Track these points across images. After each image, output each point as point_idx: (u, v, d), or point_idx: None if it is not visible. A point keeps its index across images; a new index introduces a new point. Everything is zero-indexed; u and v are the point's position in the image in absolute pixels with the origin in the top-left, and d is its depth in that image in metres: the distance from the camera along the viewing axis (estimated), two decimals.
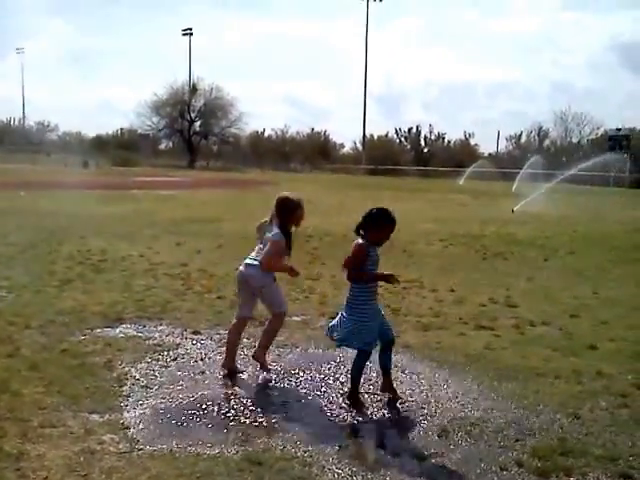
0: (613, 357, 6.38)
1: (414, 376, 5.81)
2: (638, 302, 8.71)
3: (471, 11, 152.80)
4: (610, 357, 6.38)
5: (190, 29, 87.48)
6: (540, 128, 74.99)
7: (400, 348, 6.38)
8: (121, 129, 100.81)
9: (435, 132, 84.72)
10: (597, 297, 9.23)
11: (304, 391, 5.40)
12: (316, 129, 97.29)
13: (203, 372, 5.78)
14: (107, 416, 4.73)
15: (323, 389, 5.43)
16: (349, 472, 4.03)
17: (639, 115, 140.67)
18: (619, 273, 11.25)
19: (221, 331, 7.03)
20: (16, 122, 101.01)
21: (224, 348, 6.44)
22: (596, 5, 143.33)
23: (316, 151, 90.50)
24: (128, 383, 5.43)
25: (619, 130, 55.58)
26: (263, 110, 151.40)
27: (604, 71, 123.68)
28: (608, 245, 14.80)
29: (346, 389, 5.29)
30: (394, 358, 5.96)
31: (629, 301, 8.90)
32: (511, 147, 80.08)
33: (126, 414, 4.80)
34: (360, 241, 5.13)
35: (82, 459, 4.06)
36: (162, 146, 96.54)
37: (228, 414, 4.86)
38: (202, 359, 6.15)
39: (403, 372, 5.90)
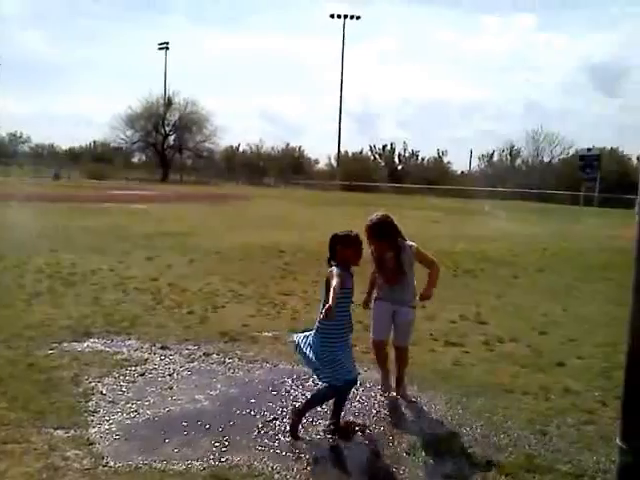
0: (581, 374, 6.44)
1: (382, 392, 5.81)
2: (606, 319, 8.81)
3: (446, 31, 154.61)
4: (578, 374, 6.44)
5: (166, 43, 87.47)
6: (512, 147, 75.97)
7: (371, 364, 6.38)
8: (94, 142, 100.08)
9: (409, 149, 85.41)
10: (566, 314, 9.33)
11: (273, 407, 5.37)
12: (291, 145, 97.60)
13: (171, 387, 5.72)
14: (72, 432, 4.66)
15: (292, 405, 5.40)
16: None
17: (609, 136, 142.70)
18: (588, 291, 11.39)
19: (190, 346, 6.98)
20: None
21: (193, 363, 6.42)
22: (568, 27, 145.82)
23: (291, 166, 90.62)
24: (94, 398, 5.35)
25: (590, 150, 56.42)
26: (238, 125, 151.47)
27: (575, 92, 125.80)
28: (577, 263, 15.00)
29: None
30: (364, 374, 5.97)
31: (597, 318, 9.01)
32: (483, 166, 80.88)
33: (92, 430, 4.73)
34: (331, 269, 4.86)
35: (45, 476, 3.98)
36: (135, 159, 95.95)
37: (195, 430, 4.81)
38: (170, 374, 6.08)
39: (373, 388, 5.90)
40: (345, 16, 76.34)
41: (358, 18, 77.80)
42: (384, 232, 5.63)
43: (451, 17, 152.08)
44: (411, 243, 5.64)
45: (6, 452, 4.27)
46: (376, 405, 5.50)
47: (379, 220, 5.65)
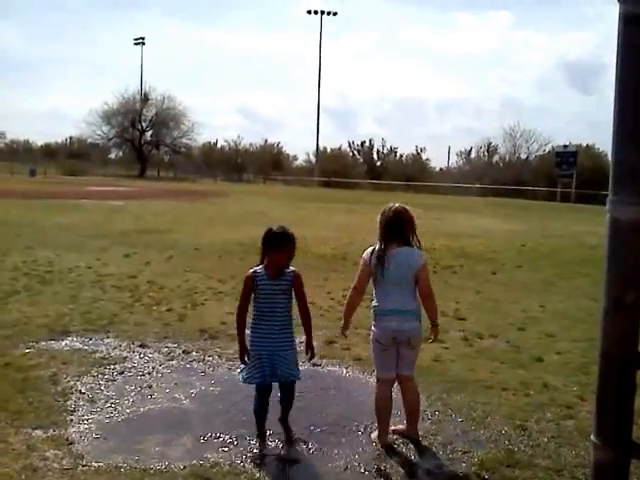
0: (559, 369, 6.50)
1: (363, 389, 5.82)
2: (584, 315, 8.90)
3: (423, 28, 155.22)
4: (556, 369, 6.50)
5: (142, 38, 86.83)
6: (489, 144, 76.27)
7: (351, 361, 6.39)
8: (70, 138, 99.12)
9: (387, 146, 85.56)
10: (544, 310, 9.40)
11: (252, 405, 5.34)
12: (270, 141, 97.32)
13: (150, 386, 5.68)
14: (51, 431, 4.62)
15: (272, 403, 5.39)
16: None
17: (585, 133, 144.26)
18: (565, 287, 11.50)
19: (169, 344, 6.95)
20: None
21: (173, 361, 6.39)
22: (544, 25, 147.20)
23: (269, 162, 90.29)
24: (73, 397, 5.31)
25: (566, 147, 56.91)
26: (216, 121, 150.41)
27: (551, 89, 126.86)
28: (555, 259, 15.13)
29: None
30: (344, 371, 5.98)
31: (575, 314, 9.10)
32: (461, 162, 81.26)
33: (71, 429, 4.69)
34: (250, 270, 4.81)
35: (24, 476, 3.95)
36: (112, 155, 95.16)
37: (175, 429, 4.78)
38: (149, 373, 6.05)
39: (353, 385, 5.90)
40: (322, 12, 76.26)
41: (335, 14, 77.73)
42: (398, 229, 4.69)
43: (427, 14, 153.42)
44: (421, 252, 4.70)
45: None
46: (358, 404, 5.50)
47: (395, 213, 4.70)
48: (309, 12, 77.27)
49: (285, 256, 4.66)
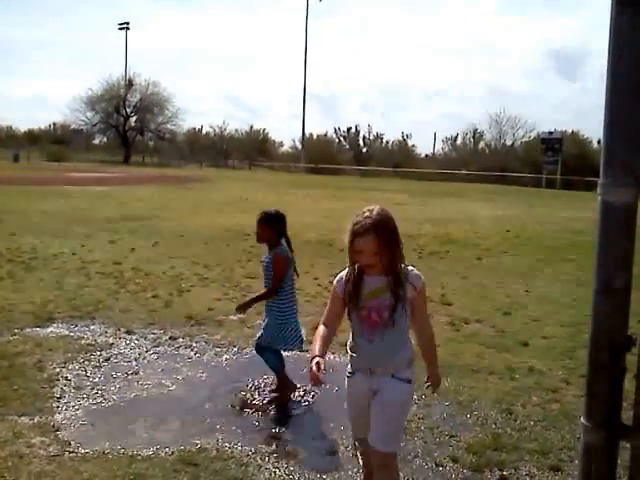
0: (545, 353, 6.54)
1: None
2: (568, 300, 8.95)
3: (408, 14, 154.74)
4: (542, 353, 6.54)
5: (127, 23, 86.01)
6: (475, 130, 76.21)
7: (338, 347, 6.38)
8: (54, 124, 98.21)
9: (373, 132, 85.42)
10: (529, 295, 9.45)
11: (240, 390, 5.34)
12: (255, 127, 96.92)
13: (137, 372, 5.67)
14: (37, 418, 4.59)
15: (260, 388, 5.39)
16: (285, 471, 4.01)
17: (570, 119, 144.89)
18: (550, 272, 11.55)
19: (155, 330, 6.92)
20: None
21: (159, 348, 6.36)
22: (528, 11, 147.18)
23: (255, 149, 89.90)
24: (59, 384, 5.28)
25: (551, 133, 57.05)
26: (201, 107, 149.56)
27: (536, 75, 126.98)
28: (539, 245, 15.19)
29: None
30: (332, 357, 5.98)
31: (560, 299, 9.15)
32: (447, 149, 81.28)
33: (57, 416, 4.66)
34: None
35: (10, 463, 3.92)
36: (96, 141, 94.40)
37: (162, 415, 4.77)
38: (136, 359, 6.02)
39: (340, 371, 5.90)
40: None
41: None
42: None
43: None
44: (417, 272, 3.25)
45: None
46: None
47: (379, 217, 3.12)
48: None
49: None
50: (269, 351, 5.09)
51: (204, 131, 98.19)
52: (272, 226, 5.08)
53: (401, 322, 3.14)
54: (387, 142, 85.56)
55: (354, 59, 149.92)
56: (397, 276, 3.12)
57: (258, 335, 5.14)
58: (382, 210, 3.17)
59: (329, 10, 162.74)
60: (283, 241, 5.11)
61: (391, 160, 74.48)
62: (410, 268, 3.23)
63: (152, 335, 6.76)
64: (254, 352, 5.49)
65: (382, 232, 3.07)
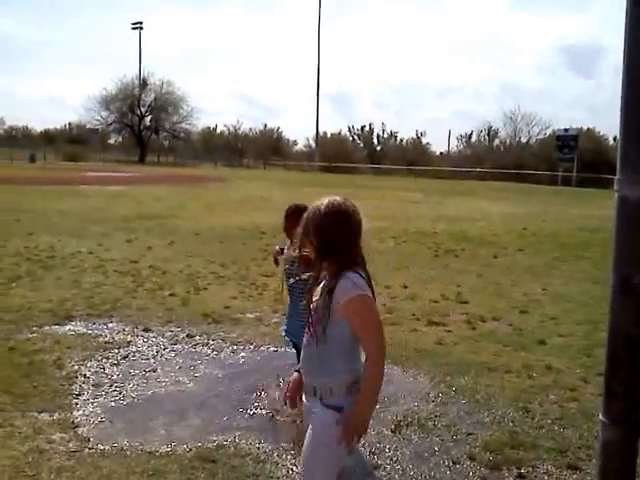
0: (562, 352, 6.52)
1: None
2: (585, 298, 8.91)
3: (420, 11, 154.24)
4: (559, 352, 6.51)
5: (140, 23, 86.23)
6: (490, 128, 75.86)
7: None
8: (69, 123, 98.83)
9: (387, 130, 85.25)
10: (546, 293, 9.41)
11: (257, 388, 5.37)
12: (269, 126, 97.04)
13: (154, 370, 5.70)
14: (57, 415, 4.64)
15: (276, 386, 5.41)
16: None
17: (585, 116, 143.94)
18: (566, 270, 11.50)
19: (173, 328, 6.96)
20: None
21: (177, 345, 6.40)
22: (543, 7, 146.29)
23: (269, 147, 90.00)
24: (78, 381, 5.33)
25: (567, 130, 56.66)
26: (215, 106, 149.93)
27: (551, 72, 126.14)
28: (556, 242, 15.11)
29: None
30: None
31: (577, 297, 9.11)
32: (462, 146, 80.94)
33: (76, 413, 4.71)
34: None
35: (31, 459, 3.97)
36: (111, 141, 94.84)
37: (180, 412, 4.80)
38: (154, 357, 6.07)
39: None
40: None
41: None
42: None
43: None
44: (349, 282, 2.61)
45: None
46: None
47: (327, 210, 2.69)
48: None
49: None
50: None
51: (218, 130, 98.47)
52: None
53: (336, 338, 2.67)
54: (401, 140, 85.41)
55: (368, 57, 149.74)
56: (330, 283, 2.65)
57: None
58: (328, 203, 2.69)
59: (342, 9, 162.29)
60: None
61: (405, 158, 74.32)
62: (348, 275, 2.62)
63: (169, 333, 6.80)
64: (271, 349, 5.53)
65: (309, 227, 2.70)
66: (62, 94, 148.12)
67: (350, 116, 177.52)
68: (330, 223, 2.64)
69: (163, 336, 6.70)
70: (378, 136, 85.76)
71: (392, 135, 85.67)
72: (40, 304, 7.69)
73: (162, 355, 6.12)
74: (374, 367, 2.66)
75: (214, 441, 4.32)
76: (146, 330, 6.86)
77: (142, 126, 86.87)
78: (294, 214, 4.81)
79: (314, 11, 75.48)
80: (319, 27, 76.19)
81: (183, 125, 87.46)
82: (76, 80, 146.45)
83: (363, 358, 2.71)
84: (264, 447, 4.27)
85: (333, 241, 2.64)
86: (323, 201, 2.70)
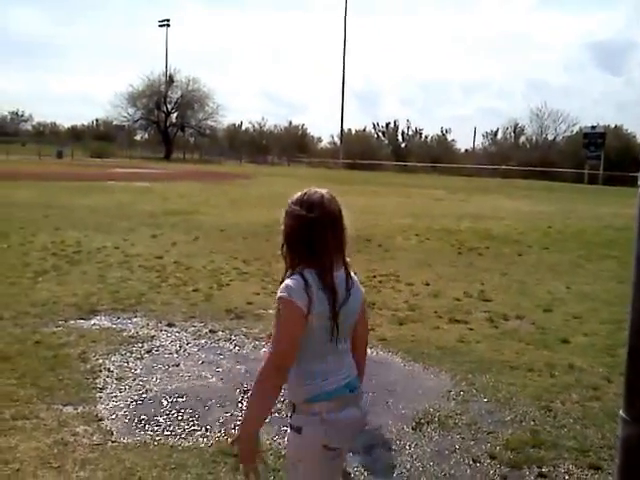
0: (585, 351, 6.47)
1: (389, 369, 5.84)
2: (610, 297, 8.82)
3: (446, 7, 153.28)
4: (582, 351, 6.46)
5: (167, 20, 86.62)
6: (516, 125, 75.24)
7: (376, 341, 6.41)
8: (96, 120, 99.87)
9: (412, 127, 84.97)
10: (570, 292, 9.34)
11: None
12: (294, 123, 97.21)
13: (177, 364, 5.76)
14: (81, 408, 4.70)
15: None
16: None
17: (613, 113, 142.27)
18: (591, 268, 11.39)
19: (196, 323, 7.02)
20: None
21: (200, 340, 6.45)
22: (570, 5, 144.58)
23: (294, 144, 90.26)
24: (102, 375, 5.40)
25: (594, 128, 56.05)
26: (240, 103, 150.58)
27: (578, 69, 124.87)
28: (581, 241, 14.97)
29: None
30: (369, 351, 5.99)
31: (601, 296, 9.02)
32: (487, 143, 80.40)
33: (100, 406, 4.77)
34: None
35: (55, 451, 4.03)
36: (138, 137, 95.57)
37: (202, 407, 4.85)
38: (177, 351, 6.12)
39: (379, 365, 5.92)
40: None
41: None
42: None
43: None
44: (284, 284, 2.40)
45: (17, 427, 4.32)
46: (382, 382, 5.52)
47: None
48: None
49: None
50: None
51: (243, 127, 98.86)
52: None
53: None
54: (426, 137, 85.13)
55: (393, 54, 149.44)
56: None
57: None
58: (296, 196, 2.49)
59: (368, 7, 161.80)
60: None
61: (430, 155, 74.05)
62: (292, 276, 2.39)
63: (192, 328, 6.86)
64: None
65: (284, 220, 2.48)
66: (90, 91, 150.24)
67: (375, 113, 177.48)
68: (287, 219, 2.44)
69: (186, 331, 6.76)
70: (403, 133, 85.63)
71: (417, 132, 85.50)
72: (66, 298, 7.79)
73: (185, 350, 6.17)
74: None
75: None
76: (170, 325, 6.93)
77: (168, 123, 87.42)
78: None
79: (340, 9, 75.28)
80: (345, 24, 76.04)
81: (209, 122, 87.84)
82: (104, 77, 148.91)
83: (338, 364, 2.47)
84: (284, 442, 4.29)
85: (287, 238, 2.44)
86: (326, 197, 2.46)
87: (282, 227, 2.45)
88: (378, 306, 8.06)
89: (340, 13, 74.93)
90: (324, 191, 2.48)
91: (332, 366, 2.44)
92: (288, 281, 2.35)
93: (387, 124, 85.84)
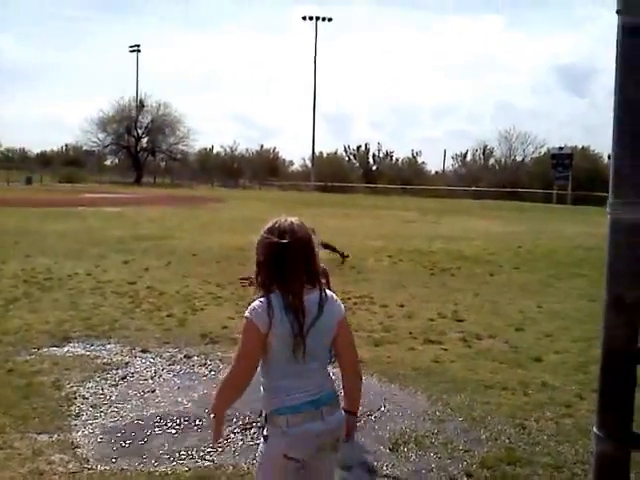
0: (557, 368, 6.56)
1: (366, 390, 5.86)
2: (581, 315, 8.96)
3: (415, 31, 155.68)
4: (555, 368, 6.56)
5: (138, 45, 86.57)
6: (485, 147, 76.14)
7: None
8: (66, 145, 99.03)
9: (383, 150, 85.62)
10: (541, 311, 9.46)
11: (256, 408, 5.39)
12: (265, 146, 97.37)
13: (153, 390, 5.73)
14: (56, 436, 4.66)
15: None
16: None
17: (579, 135, 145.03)
18: (562, 287, 11.56)
19: (170, 349, 6.99)
20: None
21: (174, 366, 6.42)
22: (535, 27, 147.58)
23: (265, 168, 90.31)
24: (77, 402, 5.36)
25: (561, 149, 57.01)
26: (211, 127, 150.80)
27: (545, 92, 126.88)
28: (551, 260, 15.19)
29: None
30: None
31: (572, 314, 9.16)
32: (457, 165, 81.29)
33: (75, 434, 4.73)
34: None
35: None
36: (108, 162, 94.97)
37: (179, 432, 4.83)
38: (152, 377, 6.09)
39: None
40: (317, 18, 76.12)
41: (330, 20, 77.48)
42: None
43: (422, 18, 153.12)
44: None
45: None
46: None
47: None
48: (304, 18, 77.19)
49: None
50: None
51: (215, 151, 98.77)
52: None
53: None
54: (397, 159, 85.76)
55: (364, 78, 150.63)
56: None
57: None
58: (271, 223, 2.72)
59: (338, 29, 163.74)
60: None
61: (401, 177, 74.66)
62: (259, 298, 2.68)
63: (167, 353, 6.83)
64: None
65: None
66: (59, 117, 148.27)
67: (346, 136, 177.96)
68: (259, 247, 2.66)
69: (161, 357, 6.73)
70: (374, 155, 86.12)
71: (387, 155, 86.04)
72: (38, 326, 7.72)
73: (160, 376, 6.14)
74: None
75: (213, 461, 4.35)
76: (144, 351, 6.89)
77: (139, 147, 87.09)
78: None
79: (311, 33, 76.03)
80: (315, 49, 76.85)
81: (180, 146, 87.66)
82: (74, 103, 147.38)
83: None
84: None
85: (260, 265, 2.66)
86: (296, 225, 2.67)
87: (255, 256, 2.66)
88: (354, 328, 8.01)
89: (312, 38, 75.51)
90: (294, 219, 2.69)
91: (296, 383, 2.61)
92: (254, 303, 2.62)
93: (358, 147, 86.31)
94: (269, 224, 2.67)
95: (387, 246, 16.62)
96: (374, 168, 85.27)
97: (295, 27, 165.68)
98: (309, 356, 2.58)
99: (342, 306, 2.80)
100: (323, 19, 76.90)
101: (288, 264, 2.57)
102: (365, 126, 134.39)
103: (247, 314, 2.63)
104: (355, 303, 9.47)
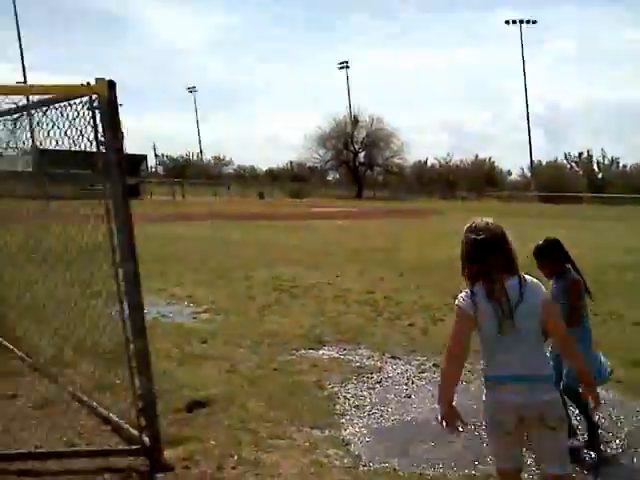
0: None
1: (623, 413, 5.59)
2: None
3: (629, 30, 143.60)
4: None
5: (346, 62, 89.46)
6: None
7: (612, 383, 6.15)
8: (291, 162, 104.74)
9: (608, 157, 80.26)
10: None
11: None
12: (480, 156, 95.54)
13: (409, 396, 5.93)
14: (327, 432, 5.01)
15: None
16: None
17: None
18: None
19: (418, 357, 7.17)
20: (194, 157, 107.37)
21: (425, 374, 6.58)
22: None
23: (482, 178, 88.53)
24: (340, 402, 5.71)
25: None
26: (423, 139, 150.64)
27: None
28: None
29: None
30: (604, 394, 5.73)
31: None
32: None
33: (344, 431, 5.05)
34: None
35: (313, 470, 4.33)
36: (330, 177, 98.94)
37: (442, 438, 4.89)
38: (406, 383, 6.30)
39: (613, 408, 5.69)
40: (521, 21, 73.69)
41: (534, 22, 74.53)
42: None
43: (632, 15, 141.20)
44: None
45: (274, 446, 4.71)
46: (617, 427, 5.29)
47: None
48: (507, 22, 74.93)
49: None
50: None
51: (429, 163, 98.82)
52: (547, 257, 5.00)
53: None
54: (624, 166, 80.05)
55: (575, 80, 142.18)
56: None
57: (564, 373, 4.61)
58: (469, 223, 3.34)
59: (543, 32, 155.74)
60: (568, 266, 4.94)
61: (632, 186, 69.44)
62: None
63: (416, 361, 7.02)
64: None
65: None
66: (276, 134, 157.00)
67: (561, 142, 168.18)
68: (462, 245, 3.33)
69: (410, 364, 6.93)
70: (598, 163, 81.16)
71: (613, 161, 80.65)
72: (293, 330, 8.30)
73: (413, 382, 6.34)
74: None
75: (484, 470, 4.37)
76: (394, 357, 7.14)
77: (357, 162, 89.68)
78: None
79: (510, 39, 73.36)
80: (523, 54, 74.23)
81: (395, 160, 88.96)
82: (290, 121, 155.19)
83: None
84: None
85: (463, 259, 3.33)
86: (490, 223, 3.21)
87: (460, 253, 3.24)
88: (605, 346, 7.70)
89: (516, 42, 72.75)
90: (489, 219, 3.23)
91: (503, 358, 3.08)
92: (461, 294, 3.16)
93: (580, 154, 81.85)
94: (468, 224, 3.24)
95: (629, 259, 15.58)
96: (599, 176, 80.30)
97: (498, 32, 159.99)
98: (514, 336, 3.01)
99: (543, 288, 3.16)
100: (527, 22, 74.25)
101: (487, 257, 3.06)
102: (581, 131, 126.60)
103: (457, 302, 3.15)
104: (604, 319, 8.99)
